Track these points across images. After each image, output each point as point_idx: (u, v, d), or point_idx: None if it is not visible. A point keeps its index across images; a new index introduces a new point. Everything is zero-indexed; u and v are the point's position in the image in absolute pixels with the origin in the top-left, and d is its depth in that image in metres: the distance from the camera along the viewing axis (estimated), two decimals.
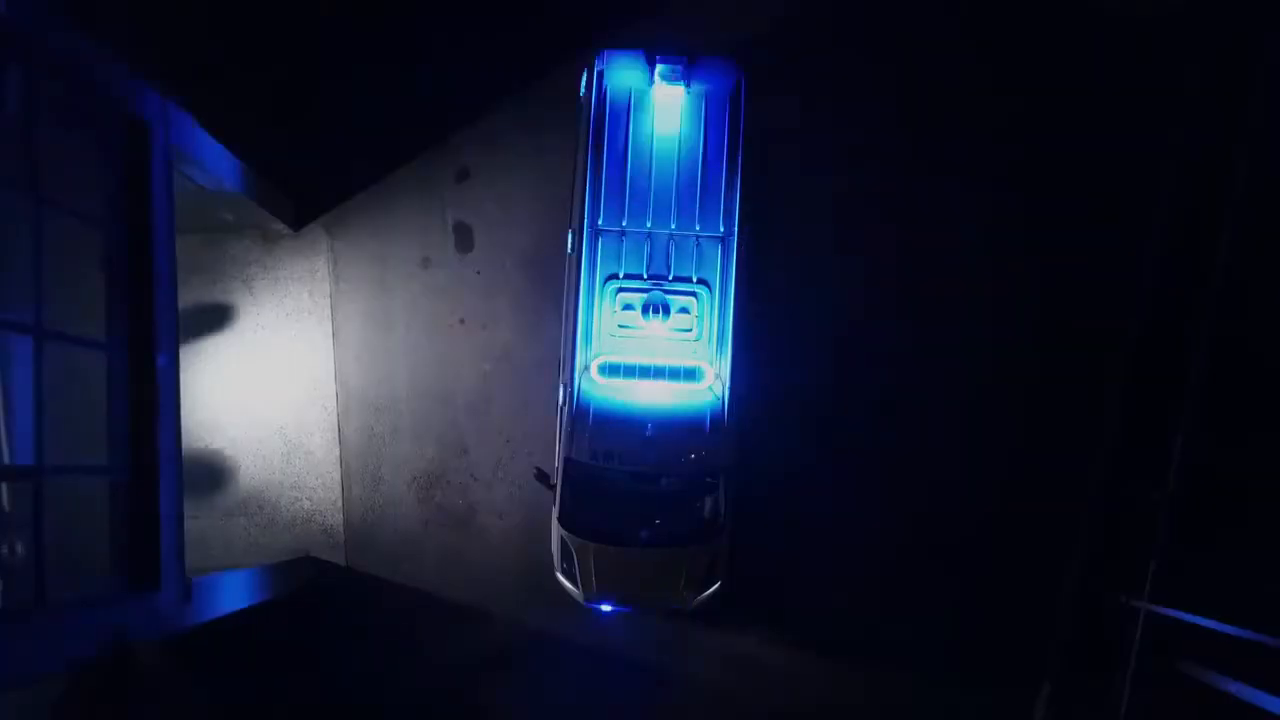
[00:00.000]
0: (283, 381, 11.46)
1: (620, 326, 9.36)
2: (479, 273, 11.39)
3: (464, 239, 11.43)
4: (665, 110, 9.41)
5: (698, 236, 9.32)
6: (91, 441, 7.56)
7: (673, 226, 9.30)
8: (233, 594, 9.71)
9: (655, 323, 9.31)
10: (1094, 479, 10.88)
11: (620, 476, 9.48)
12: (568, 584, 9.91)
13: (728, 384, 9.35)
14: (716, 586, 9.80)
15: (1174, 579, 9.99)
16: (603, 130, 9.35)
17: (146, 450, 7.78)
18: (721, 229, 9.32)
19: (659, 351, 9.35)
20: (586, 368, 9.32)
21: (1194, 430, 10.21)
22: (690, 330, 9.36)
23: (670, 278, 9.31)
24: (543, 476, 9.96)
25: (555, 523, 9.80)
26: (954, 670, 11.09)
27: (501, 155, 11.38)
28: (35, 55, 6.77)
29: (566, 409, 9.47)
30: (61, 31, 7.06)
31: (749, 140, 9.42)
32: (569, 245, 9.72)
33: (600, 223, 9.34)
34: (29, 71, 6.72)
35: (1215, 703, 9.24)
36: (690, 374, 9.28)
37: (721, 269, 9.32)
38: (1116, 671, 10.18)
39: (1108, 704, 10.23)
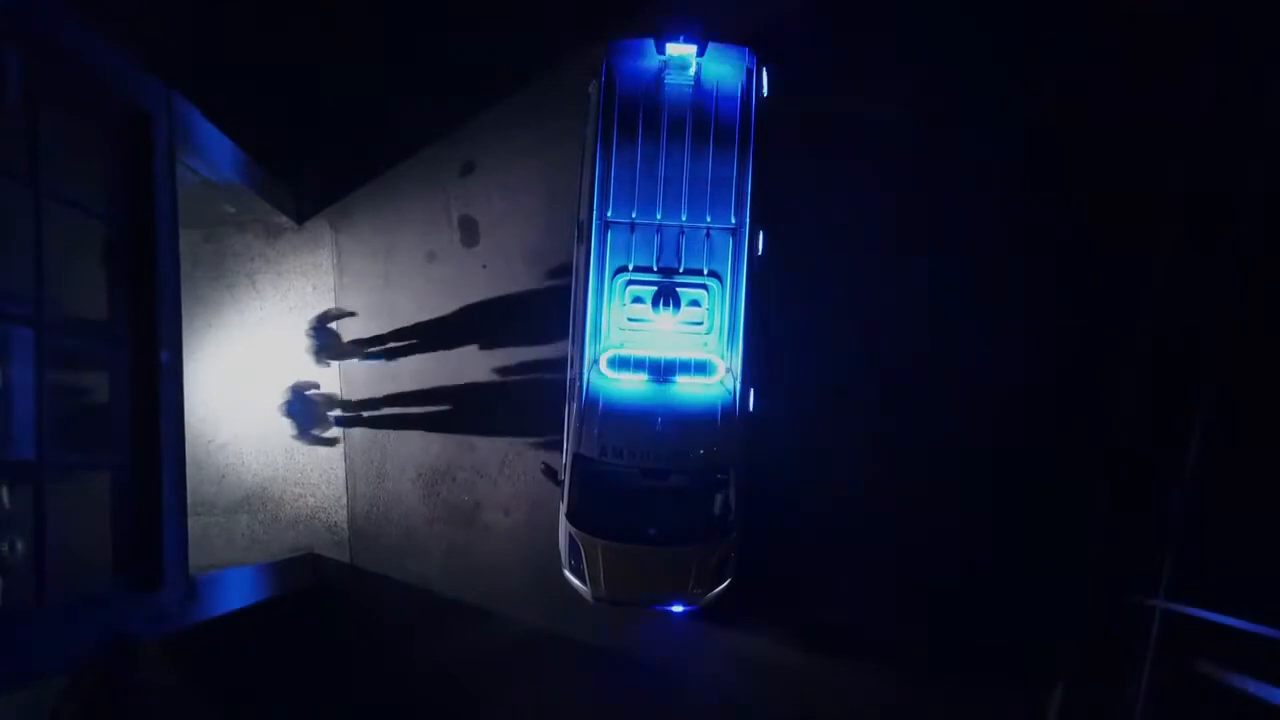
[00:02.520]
0: (286, 377, 11.29)
1: (630, 320, 9.21)
2: (485, 267, 11.24)
3: (469, 233, 11.29)
4: (676, 99, 9.26)
5: (709, 228, 9.16)
6: (93, 437, 7.44)
7: (683, 218, 9.15)
8: (236, 592, 9.60)
9: (665, 316, 9.14)
10: (1108, 476, 10.76)
11: (630, 472, 9.32)
12: (576, 582, 9.78)
13: (739, 378, 9.21)
14: (727, 584, 9.67)
15: (1190, 577, 9.89)
16: (612, 120, 9.19)
17: (149, 446, 7.66)
18: (733, 221, 9.17)
19: (669, 345, 9.20)
20: (595, 361, 9.18)
21: (1210, 426, 10.12)
22: (701, 323, 9.20)
23: (681, 270, 9.16)
24: (551, 473, 9.82)
25: (563, 519, 9.67)
26: (966, 672, 10.97)
27: (507, 148, 11.21)
28: (35, 44, 6.64)
29: (575, 404, 9.33)
30: (62, 20, 6.92)
31: (761, 129, 9.26)
32: (577, 237, 9.58)
33: (609, 214, 9.19)
34: (29, 60, 6.59)
35: (1233, 703, 9.14)
36: (701, 368, 9.13)
37: (733, 261, 9.16)
38: (1132, 672, 10.08)
39: (1123, 705, 10.12)
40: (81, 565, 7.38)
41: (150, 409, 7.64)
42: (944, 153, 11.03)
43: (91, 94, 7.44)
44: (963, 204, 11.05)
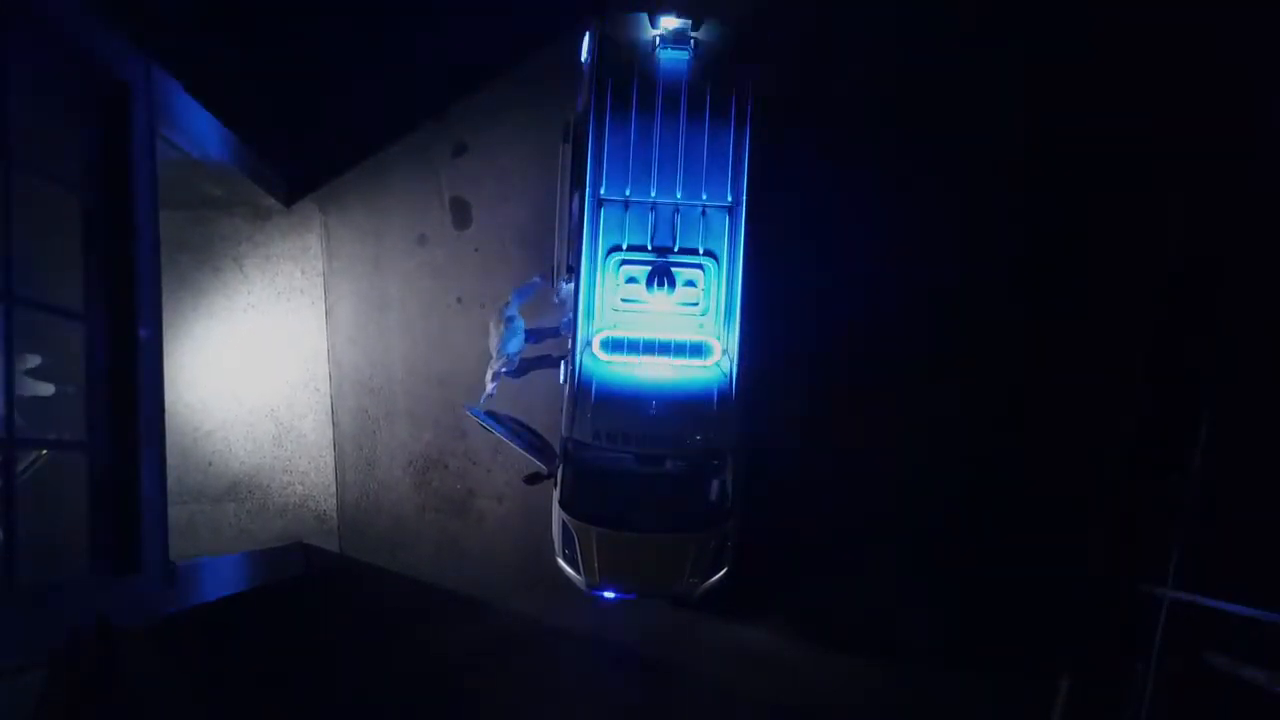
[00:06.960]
0: (274, 363, 11.10)
1: (624, 301, 8.97)
2: (477, 250, 11.02)
3: (461, 215, 11.07)
4: (670, 74, 9.01)
5: (704, 206, 8.91)
6: (69, 416, 7.23)
7: (678, 196, 8.90)
8: (220, 579, 9.40)
9: (660, 296, 8.89)
10: (1113, 461, 10.57)
11: (624, 458, 9.08)
12: (569, 570, 9.54)
13: (736, 360, 8.97)
14: (723, 573, 9.44)
15: (1198, 565, 9.69)
16: (605, 96, 8.95)
17: (127, 426, 7.45)
18: (729, 198, 8.92)
19: (664, 326, 8.95)
20: (588, 343, 8.94)
21: (1219, 413, 9.94)
22: (697, 304, 8.96)
23: (676, 249, 8.91)
24: (534, 478, 9.57)
25: (556, 506, 9.44)
26: (970, 665, 10.74)
27: (500, 129, 10.98)
28: (7, 7, 6.43)
29: (568, 387, 9.10)
30: None
31: (758, 105, 9.01)
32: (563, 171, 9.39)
33: (603, 192, 8.94)
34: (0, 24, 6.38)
35: (1243, 694, 8.95)
36: (697, 350, 8.89)
37: (729, 240, 8.92)
38: (1138, 663, 9.89)
39: (1130, 697, 9.93)
40: (56, 550, 7.19)
41: (128, 387, 7.44)
42: (957, 140, 10.80)
43: (67, 63, 7.23)
44: (971, 192, 10.82)
